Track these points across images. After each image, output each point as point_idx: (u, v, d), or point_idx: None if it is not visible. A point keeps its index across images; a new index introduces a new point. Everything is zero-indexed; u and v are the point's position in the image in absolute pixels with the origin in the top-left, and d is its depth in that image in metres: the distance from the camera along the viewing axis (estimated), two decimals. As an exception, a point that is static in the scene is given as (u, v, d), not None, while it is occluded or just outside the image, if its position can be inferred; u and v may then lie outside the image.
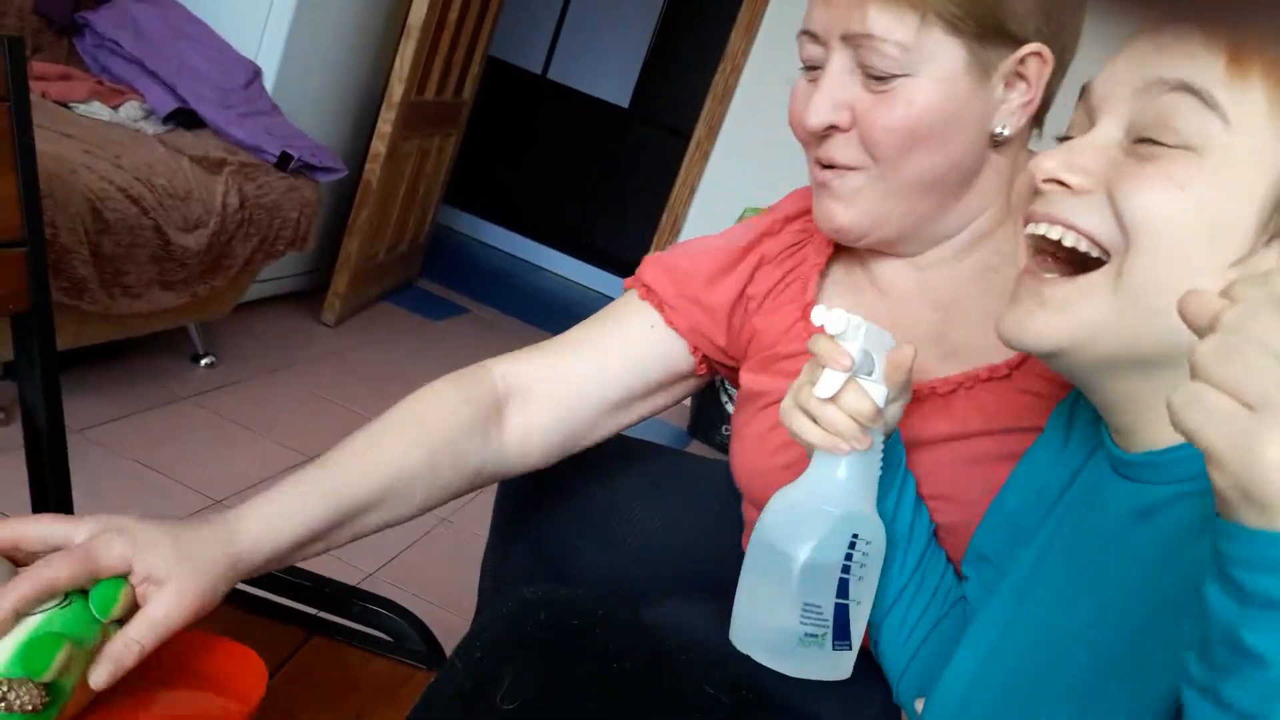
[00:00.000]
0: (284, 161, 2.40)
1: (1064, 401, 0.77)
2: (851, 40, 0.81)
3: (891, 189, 0.85)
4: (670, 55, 4.69)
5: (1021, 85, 0.83)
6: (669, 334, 1.00)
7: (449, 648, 0.90)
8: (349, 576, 1.82)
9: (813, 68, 0.86)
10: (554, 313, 4.24)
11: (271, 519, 0.77)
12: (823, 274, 0.97)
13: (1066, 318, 0.59)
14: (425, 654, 0.83)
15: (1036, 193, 0.61)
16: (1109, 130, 0.60)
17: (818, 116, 0.83)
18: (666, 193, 3.59)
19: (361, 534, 0.86)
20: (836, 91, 0.83)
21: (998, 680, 0.65)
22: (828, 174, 0.87)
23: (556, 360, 1.00)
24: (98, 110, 2.21)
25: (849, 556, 0.69)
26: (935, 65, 0.80)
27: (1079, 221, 0.58)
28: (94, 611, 0.65)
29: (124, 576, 0.67)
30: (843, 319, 0.68)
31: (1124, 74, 0.59)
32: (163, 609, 0.68)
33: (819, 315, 0.69)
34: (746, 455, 0.96)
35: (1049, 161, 0.60)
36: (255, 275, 2.52)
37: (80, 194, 1.82)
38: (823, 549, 0.68)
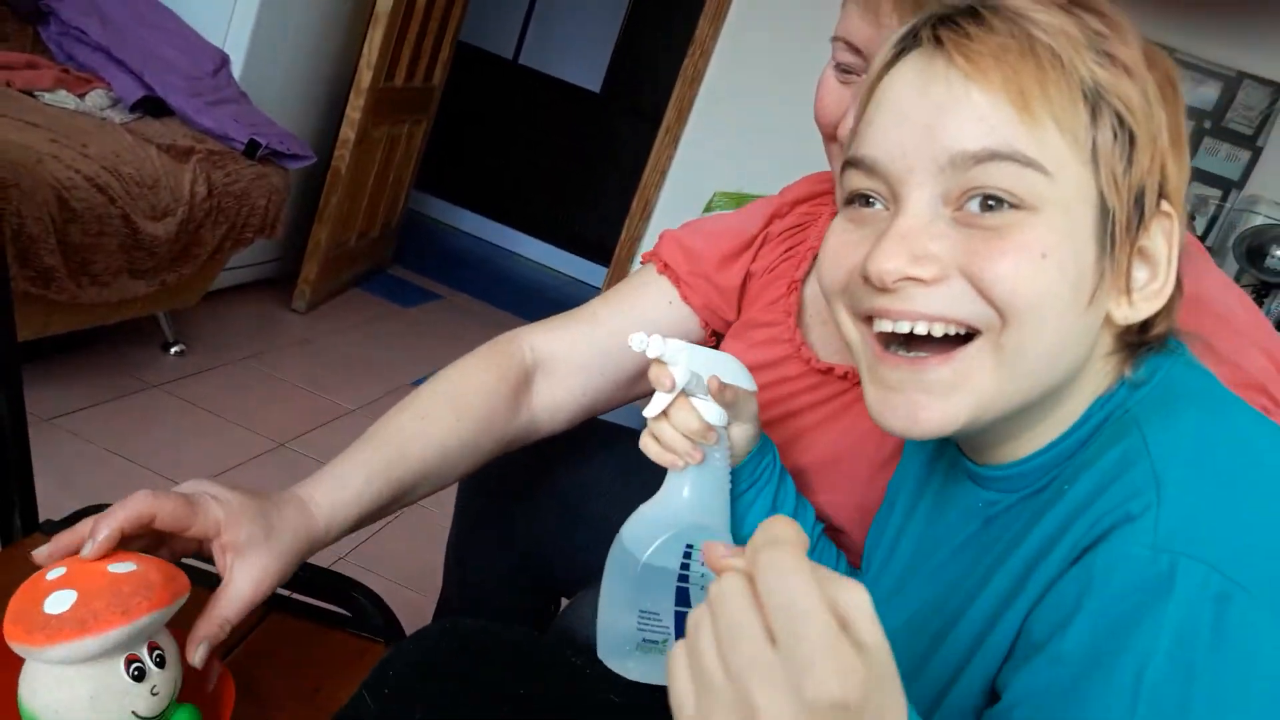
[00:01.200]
0: (252, 149, 2.41)
1: None
2: None
3: None
4: (641, 40, 4.70)
5: None
6: (684, 309, 1.06)
7: (412, 625, 0.93)
8: (318, 559, 1.84)
9: (847, 71, 0.88)
10: (527, 298, 4.26)
11: (342, 505, 0.82)
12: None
13: (958, 400, 0.57)
14: (382, 627, 0.86)
15: (878, 289, 0.57)
16: (924, 205, 0.56)
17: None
18: (638, 177, 3.62)
19: (407, 505, 0.92)
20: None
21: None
22: None
23: (579, 333, 1.05)
24: (64, 99, 2.21)
25: (685, 566, 0.72)
26: None
27: (946, 312, 0.56)
28: None
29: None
30: (659, 345, 0.70)
31: (911, 145, 0.56)
32: (248, 585, 0.73)
33: (636, 341, 0.70)
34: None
35: (890, 262, 0.55)
36: (224, 263, 2.53)
37: (46, 183, 1.82)
38: (658, 555, 0.71)
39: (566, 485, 1.13)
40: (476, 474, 1.15)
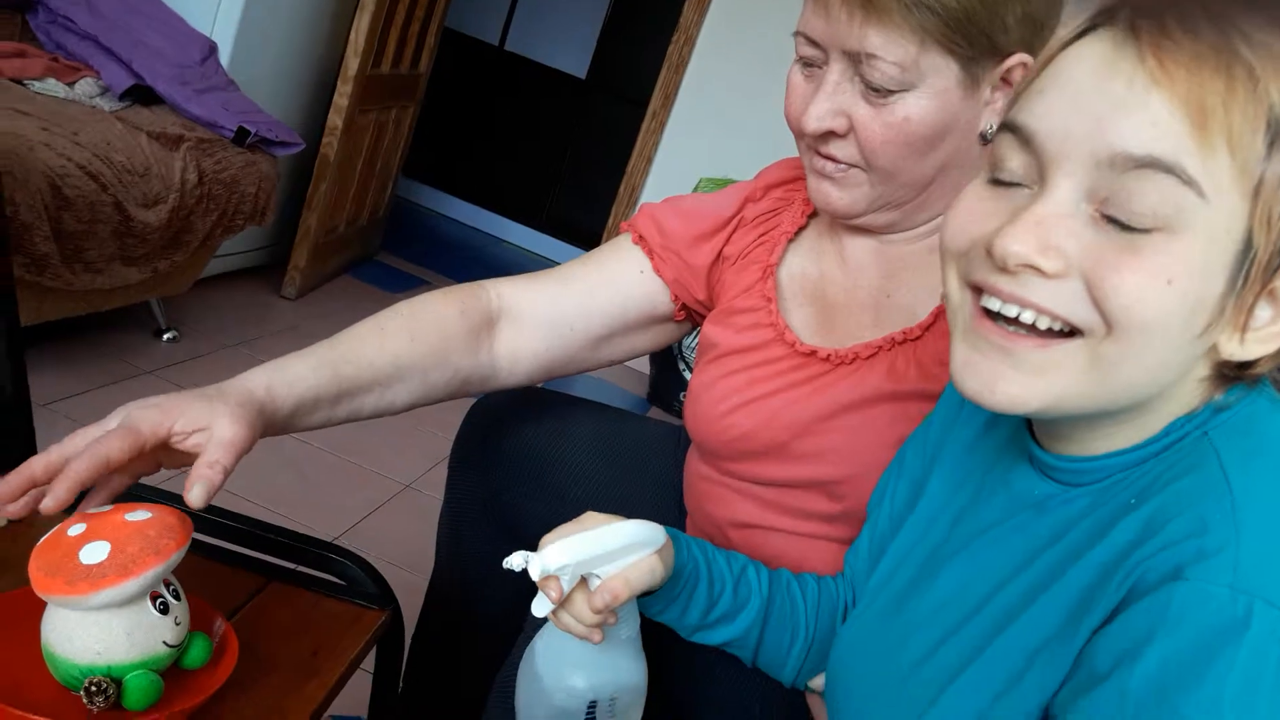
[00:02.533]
0: (241, 136, 2.43)
1: None
2: (852, 55, 0.84)
3: (886, 188, 0.91)
4: (627, 26, 4.72)
5: (1006, 89, 0.88)
6: (655, 280, 1.08)
7: (408, 603, 0.97)
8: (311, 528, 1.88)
9: (810, 64, 0.89)
10: (515, 283, 4.29)
11: (282, 378, 0.86)
12: (793, 239, 1.03)
13: (1041, 385, 0.56)
14: (377, 595, 0.90)
15: (997, 267, 0.56)
16: (1068, 197, 0.55)
17: (817, 122, 0.88)
18: (624, 163, 3.65)
19: (357, 415, 0.95)
20: (836, 99, 0.87)
21: (885, 645, 0.71)
22: (826, 164, 0.91)
23: (549, 288, 1.07)
24: (53, 87, 2.23)
25: (590, 715, 0.76)
26: (931, 81, 0.84)
27: (1055, 308, 0.55)
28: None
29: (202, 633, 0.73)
30: (538, 565, 0.70)
31: (1076, 131, 0.54)
32: (227, 431, 0.76)
33: (516, 562, 0.71)
34: (696, 402, 1.03)
35: (1018, 245, 0.54)
36: (215, 250, 2.55)
37: (39, 171, 1.85)
38: (562, 715, 0.76)
39: (550, 466, 1.16)
40: (464, 450, 1.20)
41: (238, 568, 0.89)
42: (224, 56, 2.62)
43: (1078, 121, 0.54)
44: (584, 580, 0.72)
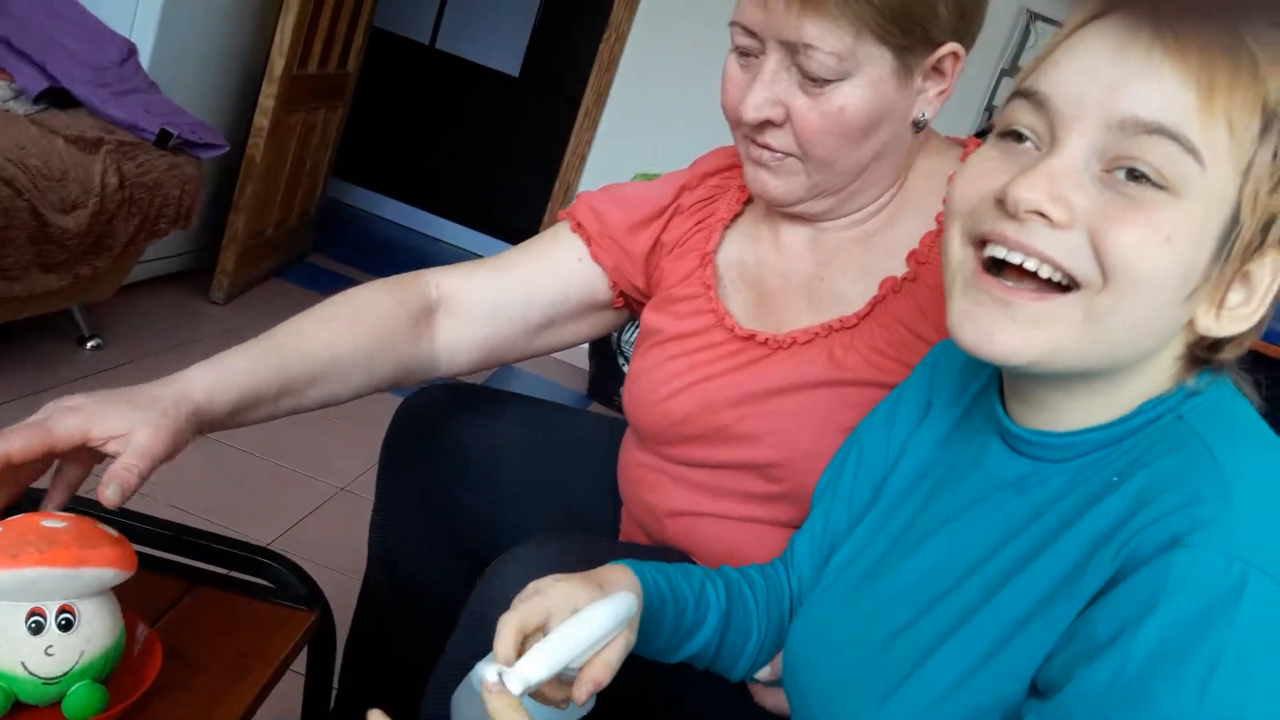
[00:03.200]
0: (164, 139, 2.38)
1: (924, 364, 0.83)
2: (789, 46, 0.86)
3: (822, 176, 0.92)
4: (558, 23, 4.71)
5: (937, 77, 0.91)
6: (594, 268, 1.09)
7: (344, 605, 0.96)
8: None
9: (746, 54, 0.90)
10: (451, 283, 4.26)
11: (221, 376, 0.86)
12: (729, 226, 1.05)
13: (1037, 337, 0.59)
14: (305, 596, 0.90)
15: (1007, 215, 0.59)
16: (1079, 154, 0.58)
17: (755, 112, 0.89)
18: (558, 160, 3.64)
19: (300, 408, 0.94)
20: (773, 89, 0.88)
21: (852, 623, 0.72)
22: (763, 153, 0.93)
23: (487, 277, 1.08)
24: (-36, 91, 2.16)
25: None
26: (866, 71, 0.86)
27: (1058, 257, 0.58)
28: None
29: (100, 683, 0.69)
30: (518, 682, 0.62)
31: (1091, 96, 0.58)
32: (144, 440, 0.76)
33: (487, 674, 0.63)
34: (636, 386, 1.04)
35: (1030, 192, 0.57)
36: (139, 255, 2.50)
37: (-51, 177, 1.80)
38: None
39: (483, 460, 1.16)
40: (395, 448, 1.19)
41: (163, 574, 0.88)
42: (144, 58, 2.56)
43: (1093, 87, 0.57)
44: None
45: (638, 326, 1.10)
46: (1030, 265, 0.59)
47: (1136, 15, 0.58)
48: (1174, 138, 0.55)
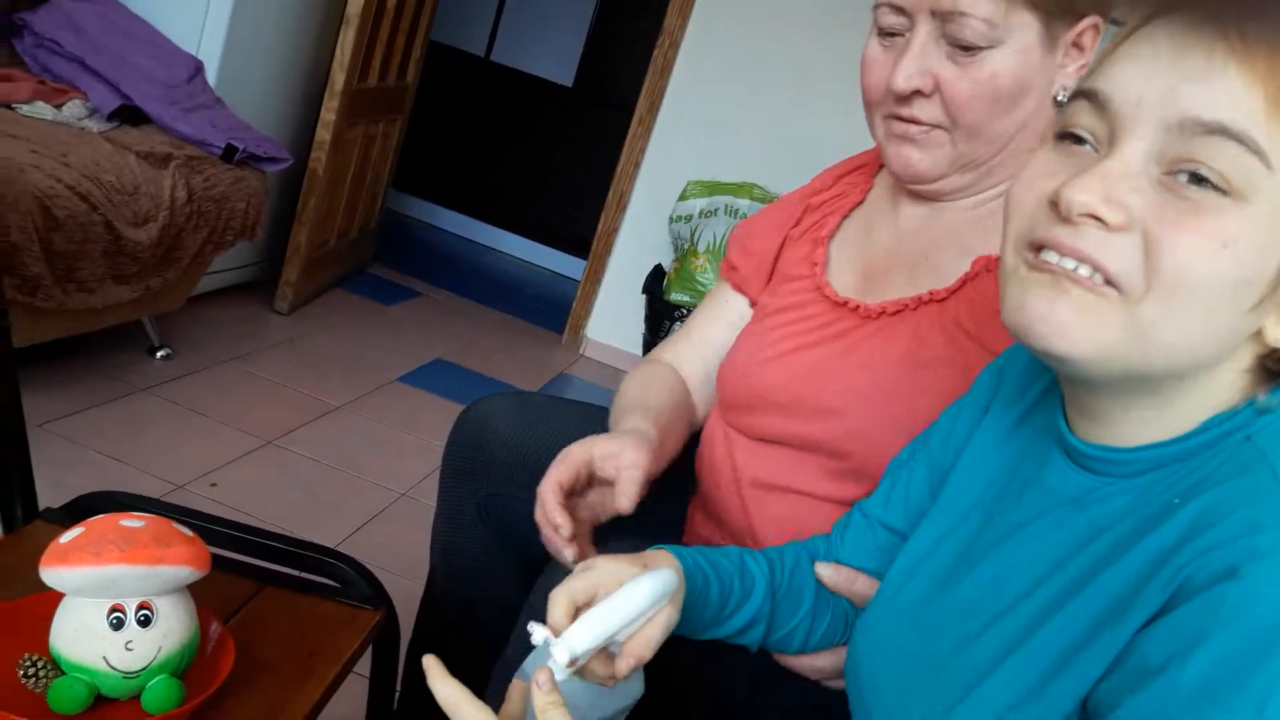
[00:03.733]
0: (230, 153, 2.45)
1: (991, 368, 0.82)
2: (941, 15, 0.89)
3: (969, 146, 0.94)
4: (611, 32, 4.74)
5: (1076, 53, 0.93)
6: (743, 300, 1.16)
7: (406, 609, 0.98)
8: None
9: (890, 34, 0.93)
10: (506, 292, 4.31)
11: (638, 425, 1.01)
12: (847, 215, 1.09)
13: (1087, 326, 0.57)
14: (370, 596, 0.92)
15: (1061, 218, 0.57)
16: (1137, 155, 0.56)
17: (907, 81, 0.91)
18: (612, 169, 3.67)
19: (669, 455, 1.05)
20: (923, 59, 0.91)
21: (916, 632, 0.71)
22: (909, 127, 0.95)
23: (688, 353, 1.20)
24: (41, 110, 2.24)
25: None
26: (1016, 38, 0.89)
27: (1108, 263, 0.55)
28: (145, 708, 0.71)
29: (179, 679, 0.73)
30: (565, 651, 0.65)
31: (1150, 97, 0.55)
32: (630, 455, 0.94)
33: (535, 637, 0.67)
34: (733, 355, 1.09)
35: (1084, 194, 0.55)
36: (207, 267, 2.57)
37: (29, 193, 1.86)
38: None
39: (541, 468, 1.17)
40: (456, 455, 1.21)
41: (233, 574, 0.91)
42: (210, 74, 2.64)
43: (1153, 88, 0.55)
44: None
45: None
46: (1083, 272, 0.56)
47: (1198, 13, 0.56)
48: (1237, 139, 0.53)
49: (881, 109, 0.96)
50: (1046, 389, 0.73)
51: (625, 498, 0.92)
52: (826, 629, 0.87)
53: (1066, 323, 0.57)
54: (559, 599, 0.69)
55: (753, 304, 1.14)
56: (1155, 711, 0.51)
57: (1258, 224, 0.53)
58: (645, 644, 0.70)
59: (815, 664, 0.88)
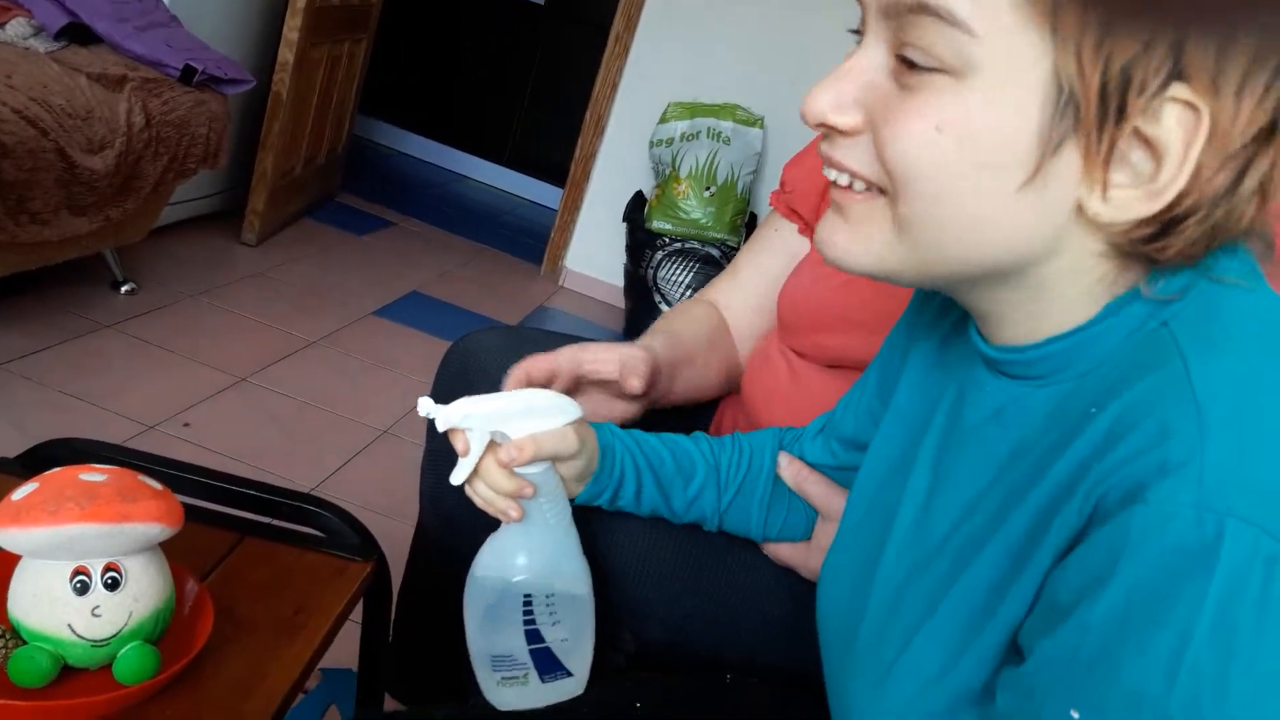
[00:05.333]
0: (188, 75, 2.32)
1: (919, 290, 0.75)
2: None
3: None
4: (585, -52, 4.56)
5: None
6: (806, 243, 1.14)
7: (394, 551, 0.92)
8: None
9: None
10: (481, 222, 4.20)
11: (650, 345, 0.99)
12: None
13: (863, 240, 0.54)
14: (359, 546, 0.86)
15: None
16: (874, 50, 0.52)
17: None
18: (588, 91, 3.54)
19: (685, 386, 1.04)
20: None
21: (877, 594, 0.65)
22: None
23: (732, 287, 1.18)
24: (-18, 30, 2.10)
25: (528, 613, 0.75)
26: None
27: (857, 166, 0.53)
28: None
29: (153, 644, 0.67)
30: (446, 416, 0.71)
31: None
32: (628, 350, 0.91)
33: (423, 409, 0.71)
34: (797, 278, 1.08)
35: (815, 103, 0.53)
36: (169, 196, 2.45)
37: (-28, 118, 1.74)
38: (491, 616, 0.75)
39: None
40: (445, 392, 1.15)
41: (209, 525, 0.84)
42: (163, -9, 2.49)
43: None
44: (497, 445, 0.72)
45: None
46: (843, 180, 0.54)
47: None
48: (934, 12, 0.47)
49: None
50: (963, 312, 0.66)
51: (636, 378, 0.88)
52: (786, 520, 0.86)
53: (841, 241, 0.55)
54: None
55: (806, 227, 1.10)
56: (1067, 656, 0.46)
57: (976, 98, 0.48)
58: (531, 441, 0.72)
59: (778, 553, 0.88)
